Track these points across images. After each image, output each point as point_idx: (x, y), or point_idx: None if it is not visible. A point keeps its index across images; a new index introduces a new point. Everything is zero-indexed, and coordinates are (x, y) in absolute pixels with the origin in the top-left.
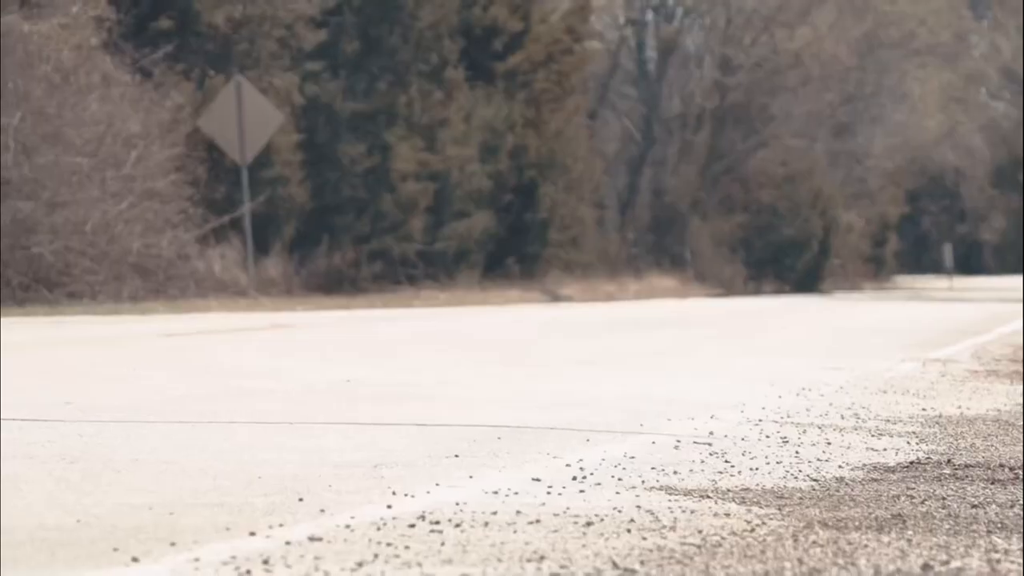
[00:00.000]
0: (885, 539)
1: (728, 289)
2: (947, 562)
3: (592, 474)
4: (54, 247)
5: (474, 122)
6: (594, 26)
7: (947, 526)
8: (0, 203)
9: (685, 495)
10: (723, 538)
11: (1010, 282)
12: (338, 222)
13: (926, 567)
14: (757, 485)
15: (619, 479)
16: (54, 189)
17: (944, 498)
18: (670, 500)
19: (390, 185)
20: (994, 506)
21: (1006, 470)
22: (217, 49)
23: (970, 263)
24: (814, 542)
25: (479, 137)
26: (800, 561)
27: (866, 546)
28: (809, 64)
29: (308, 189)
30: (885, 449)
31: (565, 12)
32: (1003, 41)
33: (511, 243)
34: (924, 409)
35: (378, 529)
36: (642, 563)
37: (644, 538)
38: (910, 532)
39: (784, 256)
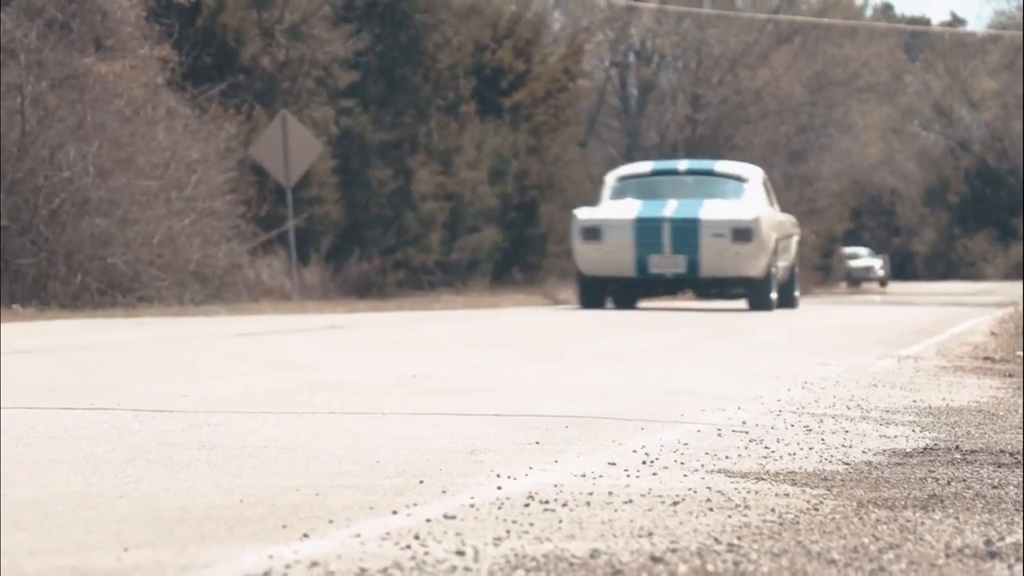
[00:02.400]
0: (936, 517)
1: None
2: (1002, 538)
3: (657, 459)
4: (126, 258)
5: (484, 149)
6: (584, 67)
7: (980, 505)
8: (81, 220)
9: (742, 477)
10: (796, 516)
11: (939, 287)
12: (368, 236)
13: (988, 542)
14: (800, 469)
15: (681, 463)
16: (126, 208)
17: (965, 480)
18: (732, 482)
19: (412, 204)
20: (1011, 487)
21: (1007, 455)
22: (264, 87)
23: (904, 271)
24: (877, 520)
25: (488, 162)
26: (875, 537)
27: (923, 523)
28: (768, 100)
29: (342, 207)
30: (896, 436)
31: (562, 55)
32: (933, 80)
33: (515, 254)
34: (915, 401)
35: (499, 508)
36: (739, 539)
37: (729, 516)
38: (951, 510)
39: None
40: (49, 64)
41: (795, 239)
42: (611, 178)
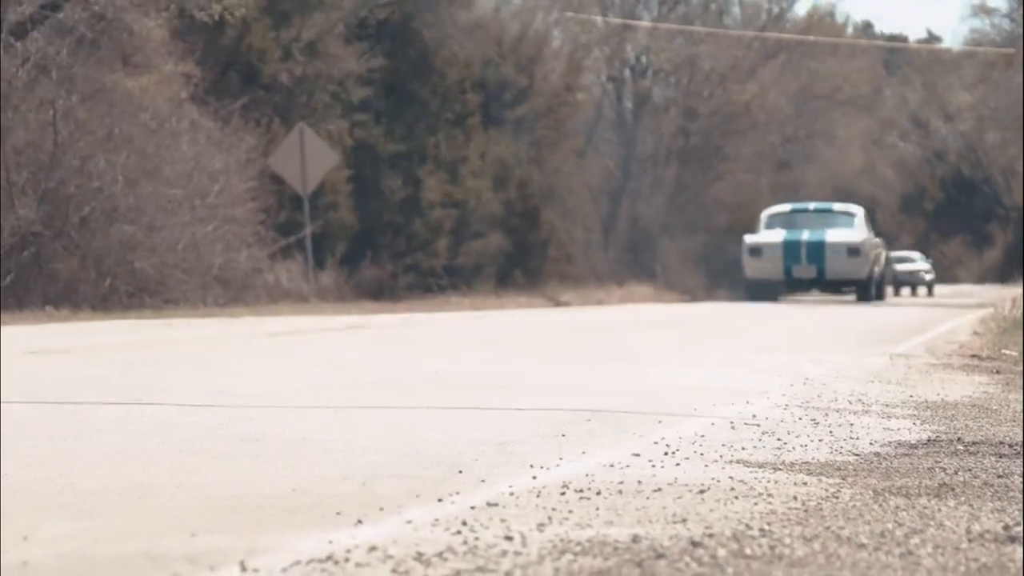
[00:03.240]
0: (951, 504)
1: (692, 296)
2: (1018, 523)
3: (678, 450)
4: (153, 262)
5: (488, 159)
6: (582, 82)
7: (989, 493)
8: (110, 226)
9: (760, 467)
10: (819, 503)
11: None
12: (379, 241)
13: (1006, 528)
14: (813, 459)
15: (701, 454)
16: (153, 215)
17: (970, 470)
18: (750, 472)
19: (421, 211)
20: (1015, 477)
21: (1006, 447)
22: (282, 101)
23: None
24: (896, 507)
25: (492, 172)
26: (898, 523)
27: (940, 510)
28: (755, 112)
29: (356, 215)
30: (898, 429)
31: (562, 72)
32: (910, 93)
33: (518, 258)
34: (911, 396)
35: (537, 496)
36: (768, 524)
37: (755, 503)
38: (963, 498)
39: (736, 269)
40: (79, 79)
41: (883, 253)
42: (764, 215)
